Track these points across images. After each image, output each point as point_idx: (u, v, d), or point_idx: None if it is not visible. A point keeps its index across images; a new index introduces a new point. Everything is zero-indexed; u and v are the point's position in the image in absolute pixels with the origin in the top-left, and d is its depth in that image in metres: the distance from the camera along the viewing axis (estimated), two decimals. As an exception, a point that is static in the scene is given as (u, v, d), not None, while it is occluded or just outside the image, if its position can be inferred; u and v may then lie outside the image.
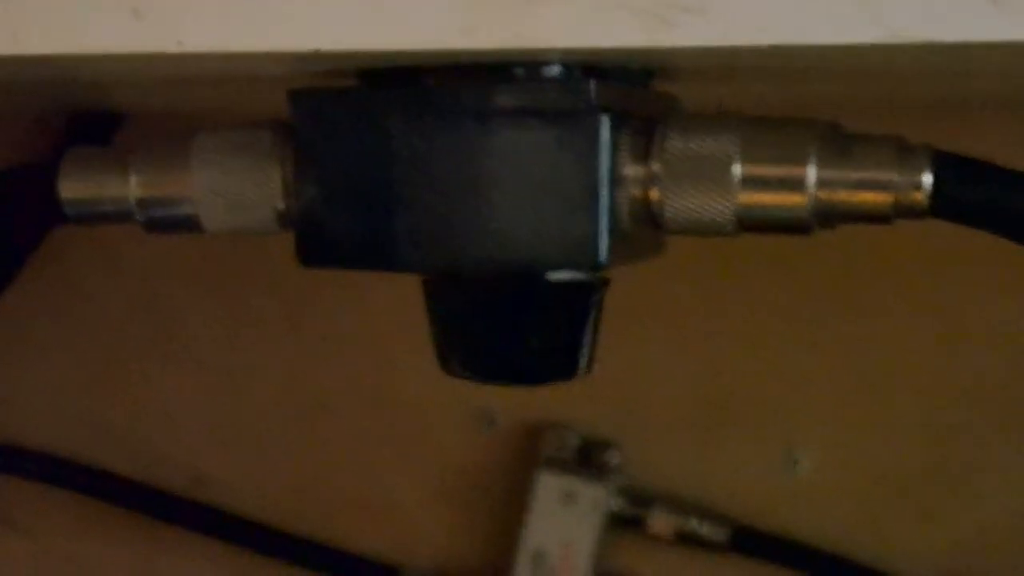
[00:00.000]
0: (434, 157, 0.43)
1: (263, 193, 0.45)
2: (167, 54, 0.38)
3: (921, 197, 0.41)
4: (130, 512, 0.83)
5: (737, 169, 0.42)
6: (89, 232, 0.79)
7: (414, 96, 0.43)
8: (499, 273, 0.44)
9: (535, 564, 0.78)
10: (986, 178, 0.42)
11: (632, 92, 0.45)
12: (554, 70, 0.42)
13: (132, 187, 0.46)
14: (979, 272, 0.76)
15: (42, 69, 0.43)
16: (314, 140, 0.44)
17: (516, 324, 0.45)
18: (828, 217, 0.42)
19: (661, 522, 0.78)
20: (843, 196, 0.42)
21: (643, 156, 0.43)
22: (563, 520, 0.78)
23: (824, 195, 0.42)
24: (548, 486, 0.79)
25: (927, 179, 0.41)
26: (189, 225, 0.46)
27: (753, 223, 0.43)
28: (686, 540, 0.79)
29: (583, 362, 0.46)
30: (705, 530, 0.78)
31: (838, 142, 0.42)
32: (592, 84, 0.42)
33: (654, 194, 0.43)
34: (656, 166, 0.42)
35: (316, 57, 0.38)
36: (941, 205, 0.41)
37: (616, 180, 0.43)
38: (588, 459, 0.80)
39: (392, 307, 0.79)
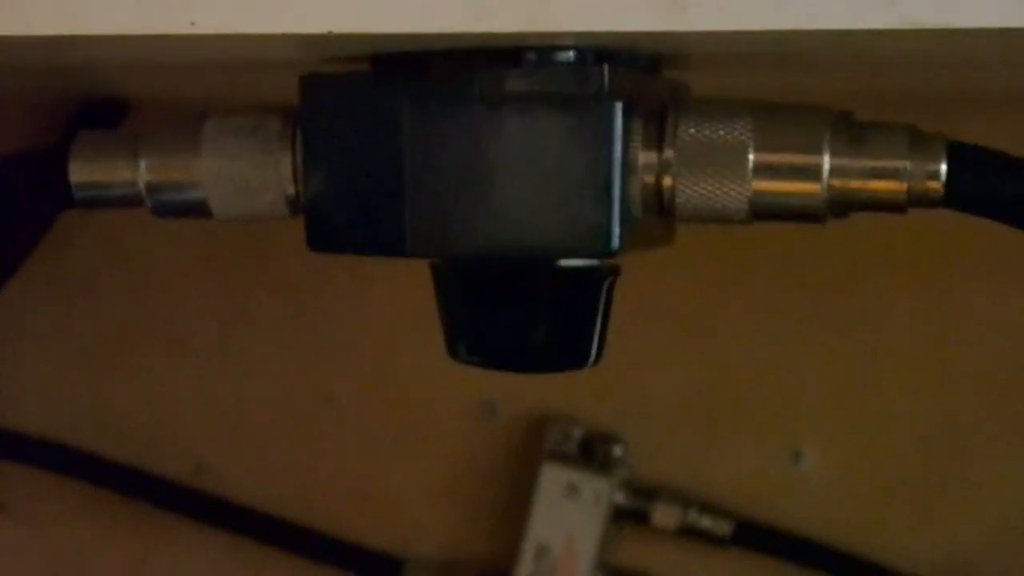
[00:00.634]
0: (445, 142, 0.43)
1: (272, 178, 0.45)
2: (179, 35, 0.37)
3: (936, 186, 0.41)
4: (130, 500, 0.83)
5: (752, 156, 0.42)
6: (91, 222, 0.80)
7: (425, 81, 0.43)
8: (509, 259, 0.43)
9: (538, 557, 0.78)
10: (1001, 168, 0.42)
11: (643, 79, 0.44)
12: (567, 55, 0.42)
13: (142, 171, 0.46)
14: (982, 271, 0.76)
15: (52, 52, 0.43)
16: (324, 125, 0.44)
17: (526, 311, 0.45)
18: (842, 206, 0.42)
19: (665, 515, 0.78)
20: (857, 184, 0.41)
21: (656, 143, 0.42)
22: (567, 513, 0.78)
23: (838, 183, 0.41)
24: (552, 479, 0.79)
25: (942, 168, 0.41)
26: (198, 210, 0.46)
27: (766, 211, 0.42)
28: (689, 533, 0.79)
29: (593, 351, 0.46)
30: (708, 524, 0.78)
31: (852, 130, 0.42)
32: (605, 70, 0.41)
33: (667, 181, 0.42)
34: (670, 153, 0.42)
35: (328, 40, 0.38)
36: (956, 194, 0.41)
37: (628, 166, 0.42)
38: (592, 452, 0.80)
39: (395, 298, 0.79)
